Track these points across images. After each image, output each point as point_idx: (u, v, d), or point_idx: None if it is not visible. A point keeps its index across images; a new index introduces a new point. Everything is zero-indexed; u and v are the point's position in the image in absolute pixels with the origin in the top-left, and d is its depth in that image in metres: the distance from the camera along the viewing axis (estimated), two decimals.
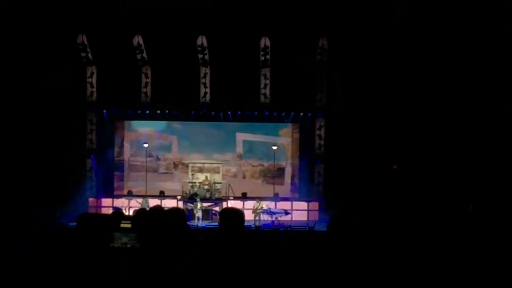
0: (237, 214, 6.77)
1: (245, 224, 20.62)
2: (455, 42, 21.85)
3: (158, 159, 27.45)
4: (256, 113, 26.05)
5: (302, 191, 26.24)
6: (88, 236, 6.00)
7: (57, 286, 5.52)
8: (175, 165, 27.32)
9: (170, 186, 26.70)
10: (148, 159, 26.88)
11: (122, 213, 8.26)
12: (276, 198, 25.10)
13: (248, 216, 23.75)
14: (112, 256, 6.19)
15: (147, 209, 22.27)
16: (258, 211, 23.09)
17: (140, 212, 8.43)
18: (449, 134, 22.02)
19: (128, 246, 6.69)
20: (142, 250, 6.40)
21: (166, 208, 7.71)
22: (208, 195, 24.64)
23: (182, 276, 5.96)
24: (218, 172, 26.60)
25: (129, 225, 6.89)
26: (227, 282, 5.84)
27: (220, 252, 6.14)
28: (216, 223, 22.22)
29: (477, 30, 21.61)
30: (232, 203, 24.39)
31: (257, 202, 23.58)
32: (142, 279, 5.98)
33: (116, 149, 27.06)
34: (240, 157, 27.28)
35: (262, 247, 6.64)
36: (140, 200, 24.15)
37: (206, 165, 26.78)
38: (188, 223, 20.39)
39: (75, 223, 6.79)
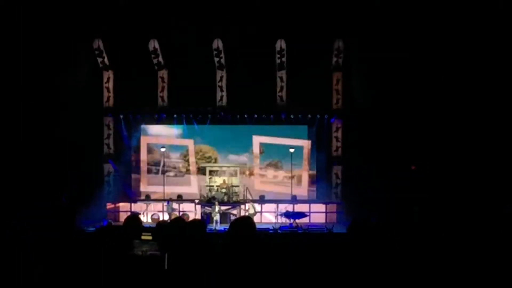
0: (248, 222, 6.67)
1: (264, 227, 20.55)
2: (479, 39, 21.54)
3: (175, 162, 27.46)
4: (272, 116, 26.01)
5: (320, 193, 26.18)
6: (107, 248, 6.03)
7: None
8: (193, 169, 27.31)
9: (187, 189, 26.73)
10: (166, 162, 26.93)
11: (139, 219, 8.26)
12: (293, 200, 25.07)
13: (266, 219, 23.87)
14: (132, 264, 6.21)
15: (171, 213, 22.71)
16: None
17: (161, 225, 8.46)
18: (468, 134, 21.85)
19: (148, 254, 6.70)
20: (163, 259, 6.42)
21: (188, 220, 7.74)
22: (225, 199, 24.65)
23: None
24: (236, 175, 26.61)
25: (150, 237, 6.91)
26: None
27: (235, 261, 6.13)
28: None
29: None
30: (249, 206, 24.39)
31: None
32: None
33: (133, 153, 27.09)
34: (257, 159, 27.22)
35: (278, 252, 6.62)
36: (158, 204, 24.30)
37: (223, 168, 26.79)
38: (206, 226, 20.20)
39: (94, 232, 6.83)
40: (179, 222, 7.40)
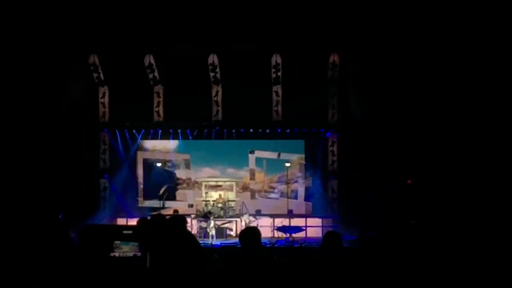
0: (255, 232, 6.88)
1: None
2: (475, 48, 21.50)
3: (171, 177, 27.42)
4: (268, 130, 26.00)
5: (316, 208, 26.14)
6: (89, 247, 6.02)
7: None
8: (189, 184, 27.27)
9: (183, 204, 26.67)
10: (161, 178, 26.91)
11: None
12: (290, 214, 25.01)
13: (262, 233, 23.76)
14: (112, 265, 6.17)
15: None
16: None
17: (141, 221, 8.41)
18: (465, 147, 21.81)
19: (130, 255, 6.64)
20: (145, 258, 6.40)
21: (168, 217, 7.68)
22: (222, 213, 24.61)
23: None
24: (232, 190, 26.59)
25: (130, 232, 6.87)
26: None
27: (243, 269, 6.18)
28: (230, 242, 22.28)
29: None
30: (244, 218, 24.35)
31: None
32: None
33: (129, 168, 27.01)
34: (253, 174, 27.20)
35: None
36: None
37: (219, 183, 26.76)
38: (202, 241, 20.13)
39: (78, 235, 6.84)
40: (159, 217, 7.41)
